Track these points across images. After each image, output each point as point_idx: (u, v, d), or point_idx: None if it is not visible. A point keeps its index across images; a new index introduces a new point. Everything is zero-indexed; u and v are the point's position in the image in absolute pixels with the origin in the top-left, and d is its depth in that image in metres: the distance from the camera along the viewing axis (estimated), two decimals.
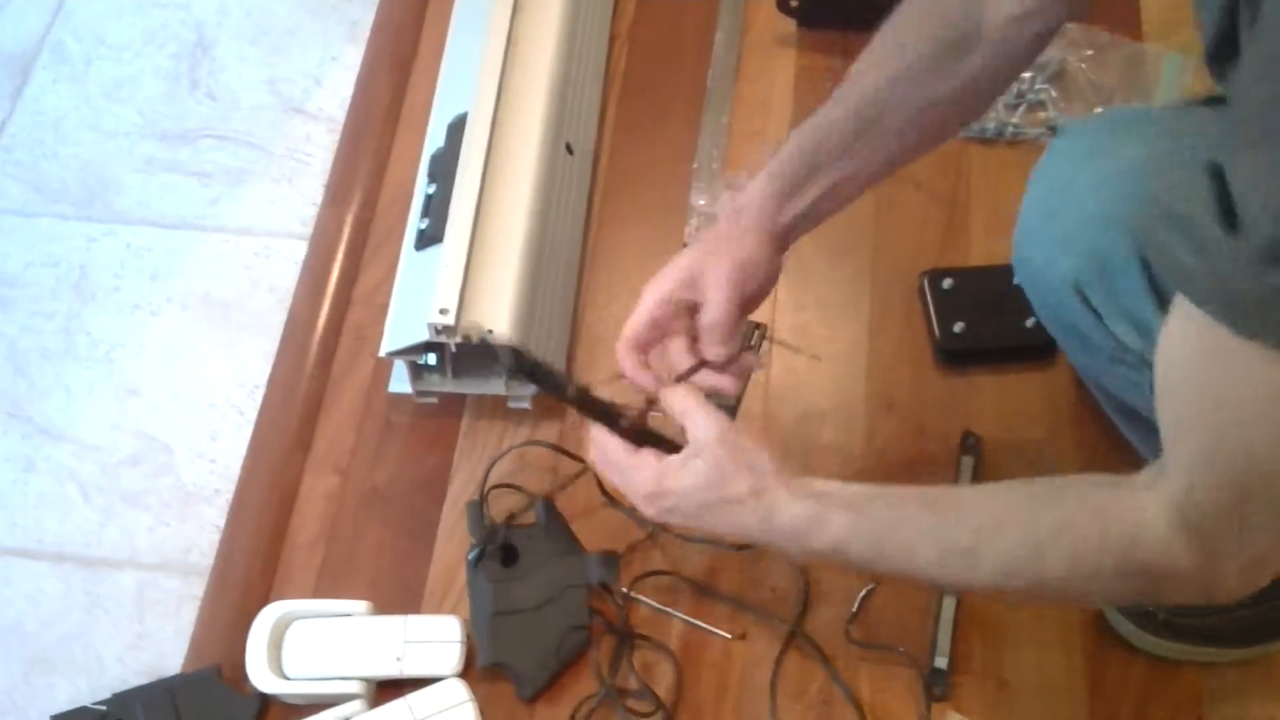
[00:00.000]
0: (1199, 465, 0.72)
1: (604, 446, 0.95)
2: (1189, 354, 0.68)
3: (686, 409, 0.91)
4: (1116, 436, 1.18)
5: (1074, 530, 0.78)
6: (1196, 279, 0.64)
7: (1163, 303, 0.82)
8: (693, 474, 0.89)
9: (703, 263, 0.95)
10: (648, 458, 0.92)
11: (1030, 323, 1.25)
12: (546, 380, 0.97)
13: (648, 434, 0.95)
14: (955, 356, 1.26)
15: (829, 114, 0.97)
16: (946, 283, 1.28)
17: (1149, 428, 0.97)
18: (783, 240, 0.98)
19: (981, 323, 1.26)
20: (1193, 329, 0.66)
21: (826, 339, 1.29)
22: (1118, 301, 0.88)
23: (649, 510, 0.92)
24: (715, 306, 0.94)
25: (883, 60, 0.96)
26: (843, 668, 1.12)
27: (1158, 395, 0.73)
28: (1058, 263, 0.92)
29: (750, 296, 0.96)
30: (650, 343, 0.97)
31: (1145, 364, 0.88)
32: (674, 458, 0.91)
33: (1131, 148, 0.88)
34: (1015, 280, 1.02)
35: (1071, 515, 0.79)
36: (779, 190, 0.96)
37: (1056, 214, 0.93)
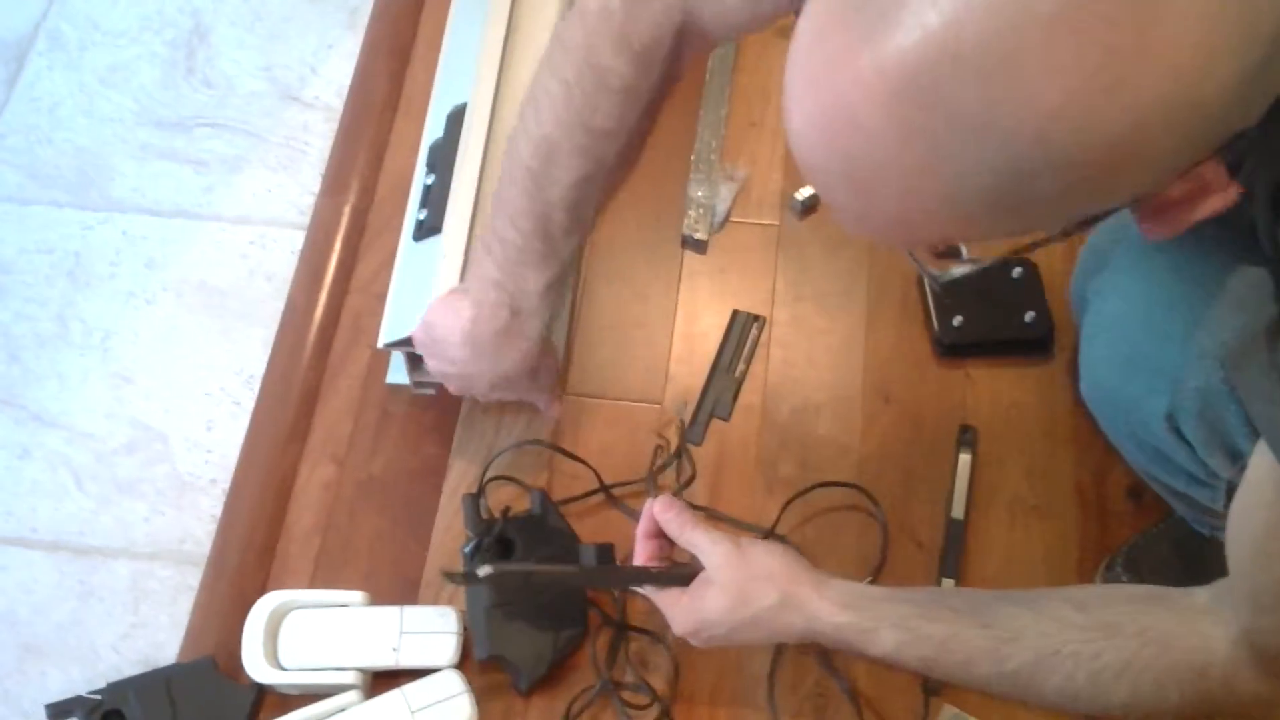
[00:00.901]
0: (1266, 599, 0.73)
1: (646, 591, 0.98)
2: (1263, 494, 0.69)
3: (681, 531, 0.96)
4: None
5: (1138, 664, 0.79)
6: (1275, 424, 0.65)
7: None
8: (716, 601, 0.91)
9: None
10: (676, 596, 0.94)
11: (1028, 317, 1.25)
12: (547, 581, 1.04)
13: (671, 575, 0.97)
14: (953, 350, 1.26)
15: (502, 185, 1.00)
16: None
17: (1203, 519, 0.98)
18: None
19: (979, 316, 1.26)
20: (1267, 471, 0.67)
21: (824, 331, 1.29)
22: (1215, 434, 0.85)
23: (697, 643, 0.94)
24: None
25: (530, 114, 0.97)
26: (840, 660, 1.12)
27: (1229, 527, 0.74)
28: (1152, 395, 0.88)
29: None
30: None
31: (1226, 485, 0.88)
32: (696, 590, 0.93)
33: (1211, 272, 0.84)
34: (1084, 398, 1.01)
35: (1135, 651, 0.79)
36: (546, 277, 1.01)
37: (1146, 344, 0.89)
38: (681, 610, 0.94)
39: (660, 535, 0.99)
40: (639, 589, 1.00)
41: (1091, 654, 0.80)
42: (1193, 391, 0.84)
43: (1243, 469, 0.75)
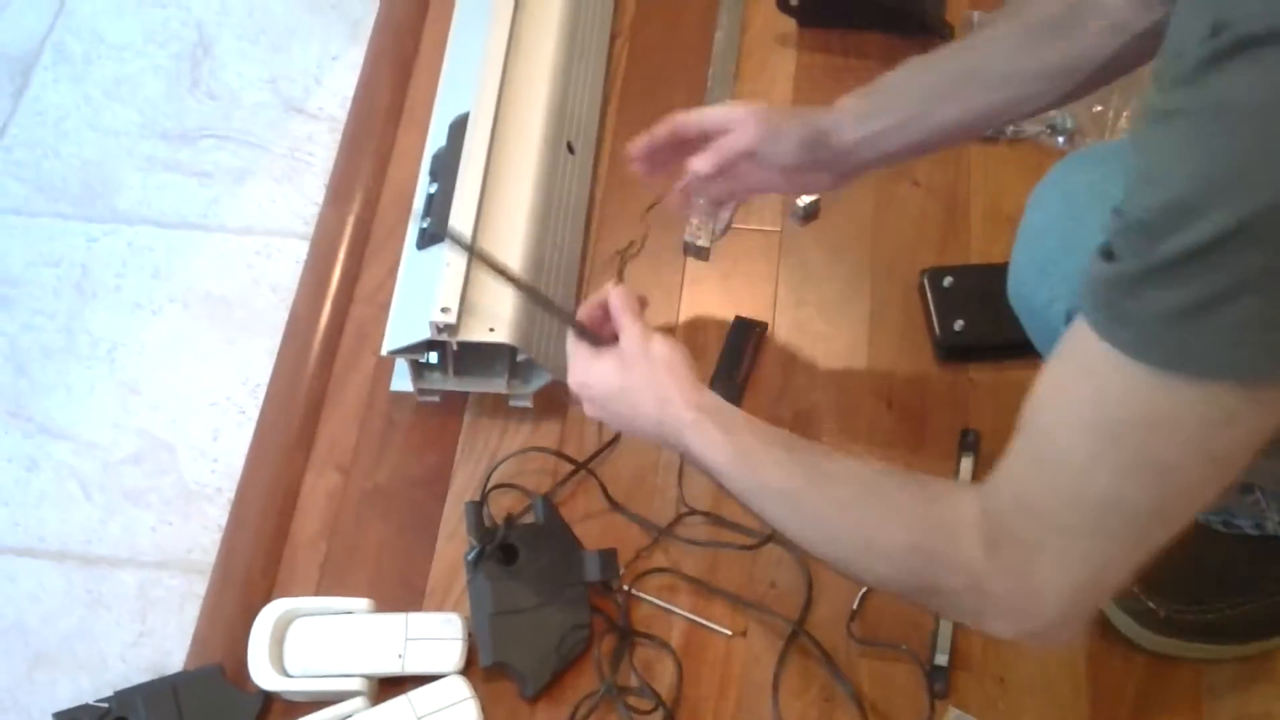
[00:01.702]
0: (1007, 463, 0.73)
1: (571, 340, 1.03)
2: (1061, 360, 0.70)
3: (621, 314, 1.00)
4: None
5: (890, 493, 0.82)
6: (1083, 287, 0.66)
7: None
8: (606, 364, 0.98)
9: (737, 119, 1.05)
10: (583, 348, 1.01)
11: None
12: (501, 272, 1.06)
13: (592, 334, 1.03)
14: (955, 354, 1.27)
15: (937, 53, 1.03)
16: (946, 280, 1.29)
17: None
18: (824, 152, 1.04)
19: (981, 320, 1.26)
20: (1069, 339, 0.68)
21: (826, 336, 1.30)
22: None
23: (577, 393, 1.01)
24: (729, 137, 1.05)
25: (999, 17, 1.00)
26: (844, 665, 1.12)
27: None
28: (1055, 299, 0.93)
29: (766, 163, 1.05)
30: (666, 144, 1.09)
31: None
32: (600, 351, 1.00)
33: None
34: (1012, 307, 1.05)
35: (896, 482, 0.83)
36: (857, 111, 1.03)
37: (1054, 251, 0.94)
38: (581, 361, 1.01)
39: (604, 315, 1.03)
40: (566, 328, 1.05)
41: (860, 477, 0.85)
42: None
43: None
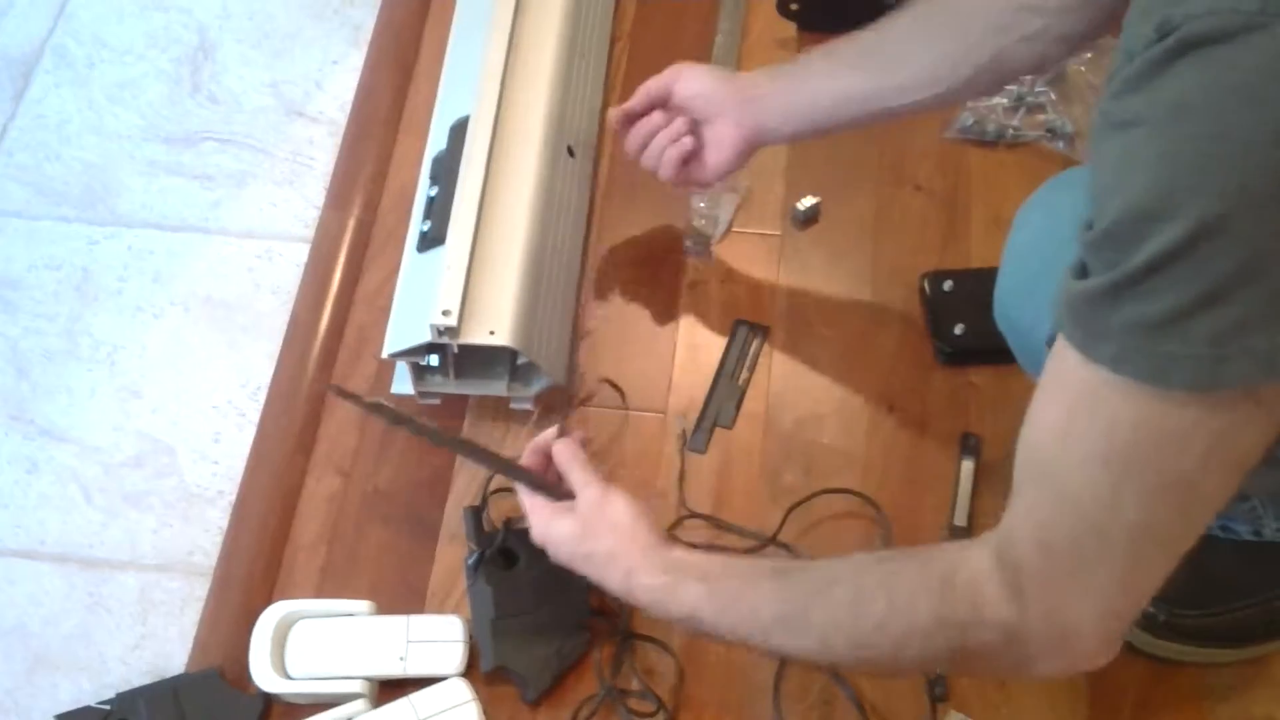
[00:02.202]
0: (1019, 509, 0.73)
1: (529, 499, 1.05)
2: (1047, 392, 0.70)
3: (570, 469, 1.02)
4: None
5: (898, 577, 0.79)
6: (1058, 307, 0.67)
7: None
8: (565, 527, 0.99)
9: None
10: (539, 502, 1.03)
11: None
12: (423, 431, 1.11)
13: (542, 484, 1.06)
14: (955, 358, 1.27)
15: (854, 33, 1.08)
16: (946, 284, 1.29)
17: None
18: (743, 99, 1.12)
19: (981, 324, 1.25)
20: (1055, 366, 0.68)
21: (826, 340, 1.30)
22: None
23: (540, 543, 1.02)
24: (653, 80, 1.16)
25: (903, 5, 1.05)
26: (846, 670, 1.12)
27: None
28: (1038, 321, 0.89)
29: (684, 106, 1.15)
30: (640, 110, 1.17)
31: None
32: (559, 511, 1.01)
33: None
34: (998, 325, 1.06)
35: (899, 565, 0.80)
36: (765, 73, 1.12)
37: (1037, 274, 0.93)
38: (540, 520, 1.01)
39: (547, 458, 1.06)
40: (514, 484, 1.08)
41: (862, 571, 0.82)
42: None
43: None
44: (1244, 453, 0.66)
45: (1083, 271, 0.64)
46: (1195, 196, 0.56)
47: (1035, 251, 0.98)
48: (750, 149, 1.15)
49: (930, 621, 0.77)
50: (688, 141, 1.14)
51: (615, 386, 1.26)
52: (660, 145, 1.15)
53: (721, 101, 1.13)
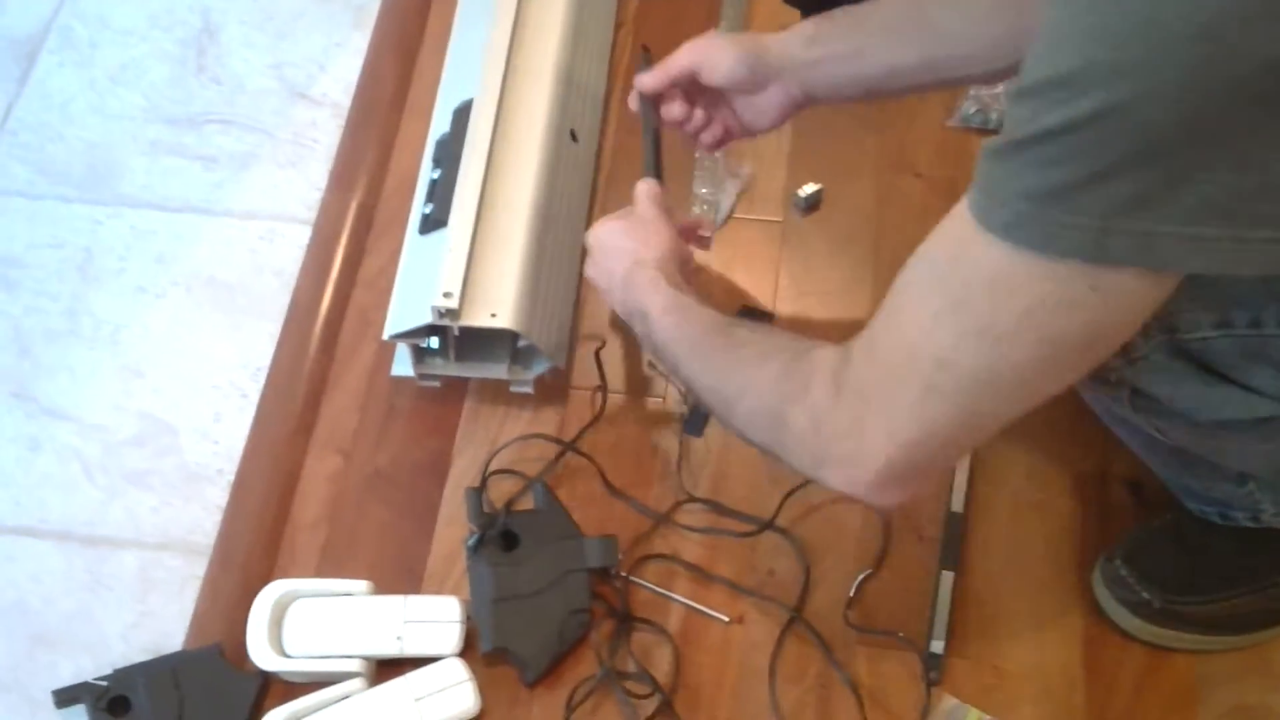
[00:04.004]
0: (873, 319, 0.76)
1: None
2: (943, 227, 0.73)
3: (639, 191, 1.12)
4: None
5: (774, 337, 0.90)
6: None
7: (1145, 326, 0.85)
8: (610, 223, 1.11)
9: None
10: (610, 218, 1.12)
11: None
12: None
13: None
14: None
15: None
16: None
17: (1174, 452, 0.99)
18: (766, 71, 1.08)
19: None
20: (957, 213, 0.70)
21: (828, 327, 1.30)
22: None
23: (587, 247, 1.13)
24: (671, 58, 1.13)
25: None
26: (841, 652, 1.12)
27: None
28: None
29: (710, 80, 1.11)
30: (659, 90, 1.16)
31: (1121, 382, 0.92)
32: (622, 213, 1.11)
33: None
34: None
35: (784, 337, 0.90)
36: (806, 34, 1.07)
37: None
38: (604, 219, 1.13)
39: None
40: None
41: (773, 335, 0.92)
42: None
43: (1130, 359, 0.83)
44: (1062, 335, 0.67)
45: (999, 129, 0.65)
46: (1110, 74, 0.57)
47: None
48: (794, 113, 1.12)
49: (769, 380, 0.85)
50: (717, 130, 1.15)
51: (600, 368, 1.25)
52: (687, 135, 1.17)
53: (763, 80, 1.09)
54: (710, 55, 1.10)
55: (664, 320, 0.98)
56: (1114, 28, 0.57)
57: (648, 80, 1.14)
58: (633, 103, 1.17)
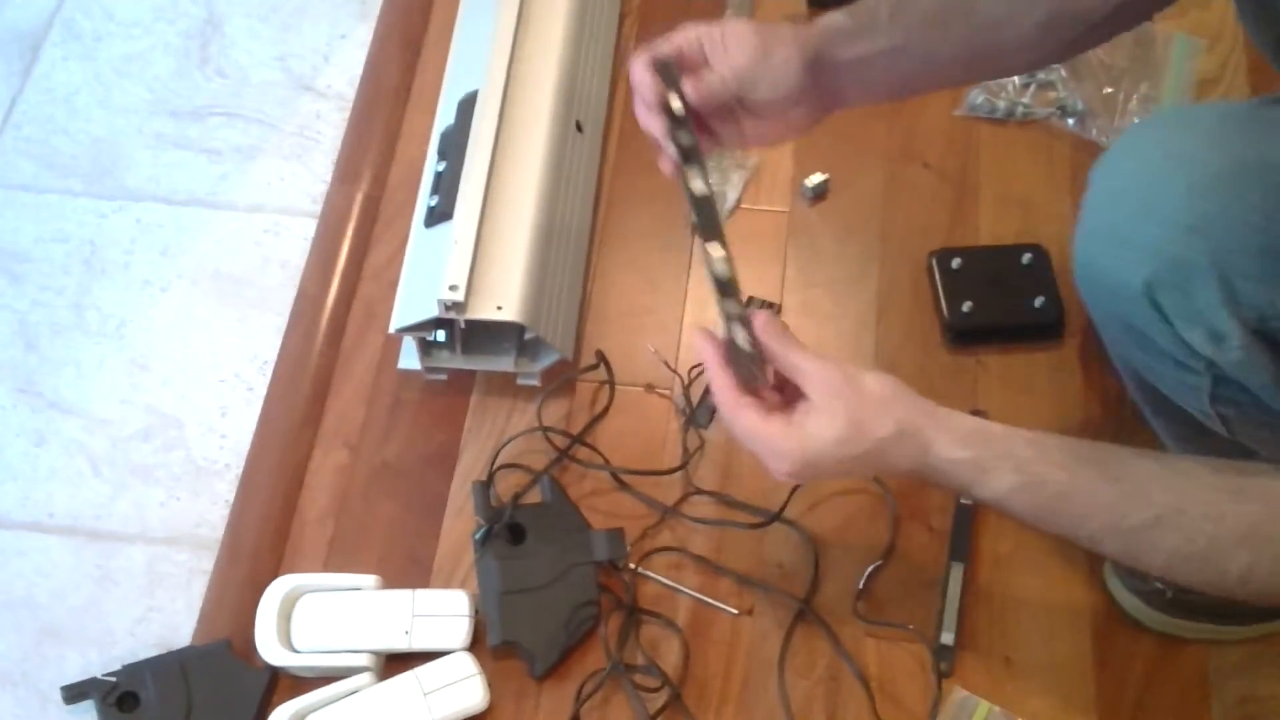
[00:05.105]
0: None
1: (735, 417, 0.87)
2: None
3: (794, 364, 0.86)
4: (1122, 416, 1.19)
5: (1264, 531, 0.77)
6: None
7: (1238, 313, 0.83)
8: (825, 431, 0.83)
9: (733, 32, 0.93)
10: (776, 425, 0.84)
11: (1038, 302, 1.25)
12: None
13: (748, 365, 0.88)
14: (963, 335, 1.27)
15: None
16: (955, 262, 1.28)
17: (1183, 425, 0.99)
18: (821, 76, 0.93)
19: (989, 302, 1.26)
20: None
21: (835, 317, 1.29)
22: (1194, 309, 0.86)
23: (787, 475, 0.86)
24: (710, 72, 0.92)
25: None
26: (850, 644, 1.12)
27: None
28: (1132, 267, 0.89)
29: (753, 101, 0.93)
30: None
31: (1209, 369, 0.89)
32: (798, 419, 0.84)
33: (1214, 154, 0.86)
34: (1076, 278, 0.99)
35: (1261, 517, 0.77)
36: (840, 29, 0.93)
37: (1131, 218, 0.90)
38: (778, 439, 0.84)
39: (733, 363, 0.88)
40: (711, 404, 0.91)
41: (1217, 515, 0.77)
42: (1171, 261, 0.85)
43: (1222, 351, 0.76)
44: None
45: None
46: None
47: (1127, 197, 0.91)
48: (810, 129, 0.99)
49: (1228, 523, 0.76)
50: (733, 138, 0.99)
51: (605, 362, 1.25)
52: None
53: (790, 89, 0.93)
54: (730, 48, 0.92)
55: (1023, 507, 0.84)
56: None
57: (685, 98, 0.92)
58: (654, 128, 0.94)
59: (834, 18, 0.94)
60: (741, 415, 0.86)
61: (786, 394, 0.88)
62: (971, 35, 0.94)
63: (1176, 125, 0.94)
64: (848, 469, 0.85)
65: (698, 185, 0.88)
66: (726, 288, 0.87)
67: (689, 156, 0.88)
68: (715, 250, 0.86)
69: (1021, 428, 0.85)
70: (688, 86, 0.92)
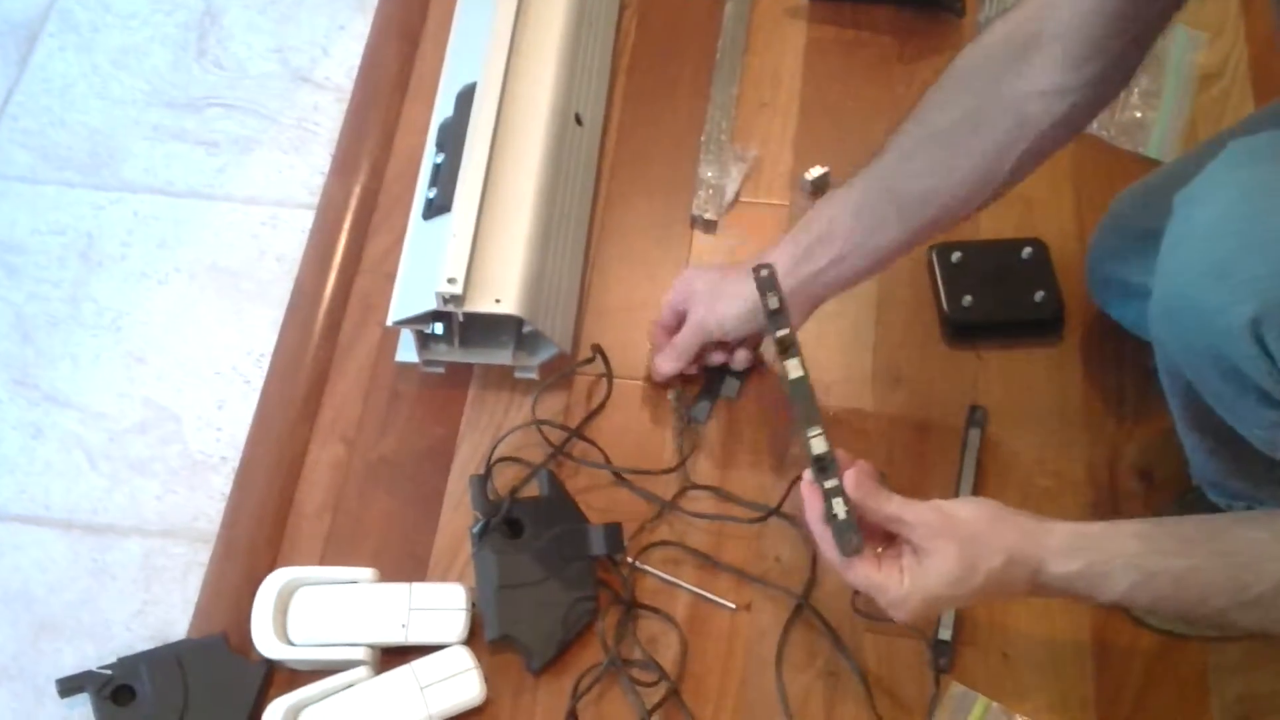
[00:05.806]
0: None
1: (847, 570, 0.92)
2: None
3: (891, 516, 0.90)
4: (1121, 410, 1.19)
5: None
6: None
7: None
8: (940, 574, 0.87)
9: (695, 295, 1.17)
10: (891, 576, 0.89)
11: (1038, 296, 1.25)
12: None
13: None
14: (963, 330, 1.26)
15: (854, 181, 1.04)
16: (955, 256, 1.28)
17: (1217, 440, 0.97)
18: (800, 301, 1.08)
19: (989, 296, 1.26)
20: None
21: (834, 312, 1.28)
22: None
23: (908, 620, 0.91)
24: (680, 338, 1.18)
25: (907, 128, 1.01)
26: (848, 639, 1.12)
27: None
28: (1235, 303, 0.84)
29: (732, 340, 1.18)
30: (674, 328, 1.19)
31: None
32: (912, 568, 0.89)
33: None
34: (1155, 310, 0.94)
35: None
36: (792, 254, 1.07)
37: (1235, 251, 0.85)
38: (894, 590, 0.89)
39: (832, 529, 0.93)
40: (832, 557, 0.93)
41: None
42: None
43: None
44: None
45: None
46: None
47: (1228, 230, 0.86)
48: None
49: None
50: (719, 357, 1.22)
51: (603, 355, 1.24)
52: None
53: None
54: (715, 307, 1.15)
55: (1145, 599, 0.87)
56: None
57: (667, 368, 1.21)
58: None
59: (779, 247, 1.10)
60: (854, 569, 0.91)
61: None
62: (909, 216, 1.03)
63: (1272, 154, 0.89)
64: (965, 602, 0.91)
65: (796, 375, 0.97)
66: (828, 469, 0.93)
67: (786, 349, 0.97)
68: (815, 433, 0.94)
69: (1121, 520, 0.88)
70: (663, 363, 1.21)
